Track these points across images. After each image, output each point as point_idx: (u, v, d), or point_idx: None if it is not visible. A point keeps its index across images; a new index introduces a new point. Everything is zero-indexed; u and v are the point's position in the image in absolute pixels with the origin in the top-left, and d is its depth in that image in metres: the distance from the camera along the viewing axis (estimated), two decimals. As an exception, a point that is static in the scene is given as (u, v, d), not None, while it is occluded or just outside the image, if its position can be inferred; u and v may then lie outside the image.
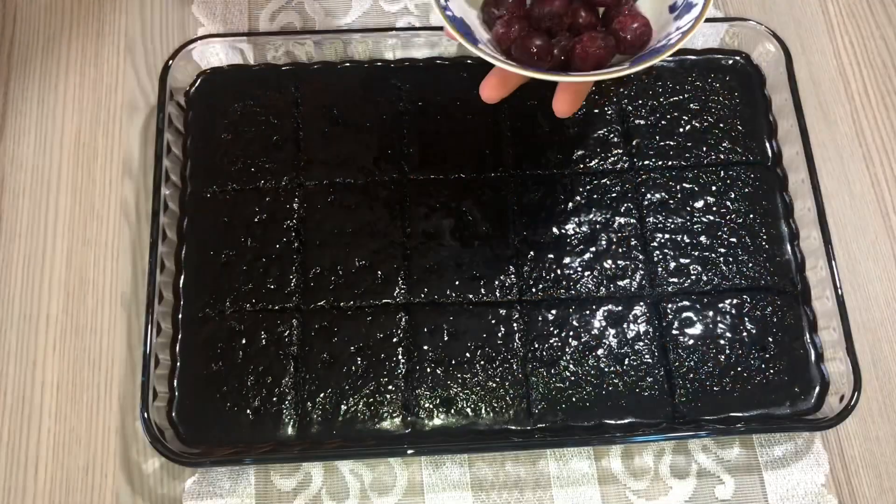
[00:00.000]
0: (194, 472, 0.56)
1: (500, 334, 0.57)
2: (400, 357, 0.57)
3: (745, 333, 0.58)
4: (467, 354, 0.57)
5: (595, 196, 0.61)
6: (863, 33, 0.70)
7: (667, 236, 0.60)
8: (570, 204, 0.61)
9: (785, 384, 0.56)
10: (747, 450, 0.57)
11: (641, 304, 0.58)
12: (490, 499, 0.56)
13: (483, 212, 0.61)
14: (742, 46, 0.66)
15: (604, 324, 0.58)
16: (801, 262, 0.60)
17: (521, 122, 0.63)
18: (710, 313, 0.58)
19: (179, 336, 0.57)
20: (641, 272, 0.59)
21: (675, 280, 0.59)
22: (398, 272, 0.59)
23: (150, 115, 0.65)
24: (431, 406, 0.56)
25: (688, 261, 0.60)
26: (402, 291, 0.58)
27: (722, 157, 0.63)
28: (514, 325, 0.58)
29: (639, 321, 0.58)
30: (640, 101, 0.64)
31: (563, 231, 0.60)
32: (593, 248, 0.60)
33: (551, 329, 0.58)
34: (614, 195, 0.62)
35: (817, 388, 0.56)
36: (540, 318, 0.58)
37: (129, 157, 0.64)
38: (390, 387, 0.56)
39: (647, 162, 0.63)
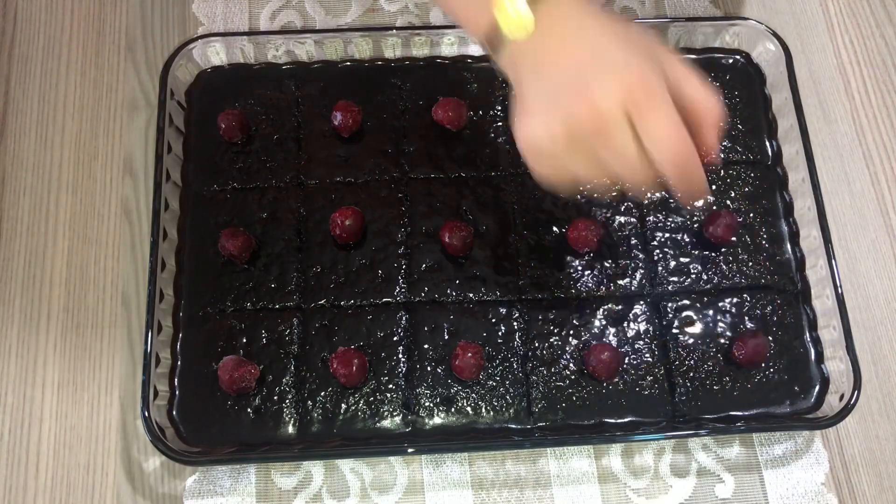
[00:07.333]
0: (195, 470, 0.56)
1: (500, 333, 0.57)
2: (400, 356, 0.57)
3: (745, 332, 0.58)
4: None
5: (595, 195, 0.61)
6: (863, 32, 0.70)
7: (667, 235, 0.60)
8: (570, 203, 0.61)
9: (785, 383, 0.56)
10: (747, 448, 0.57)
11: (641, 303, 0.58)
12: (490, 497, 0.56)
13: (483, 211, 0.61)
14: (742, 45, 0.66)
15: (604, 323, 0.58)
16: (800, 260, 0.60)
17: (521, 121, 0.63)
18: (710, 312, 0.58)
19: (180, 334, 0.57)
20: (641, 271, 0.59)
21: (676, 279, 0.59)
22: (398, 271, 0.59)
23: (151, 113, 0.65)
24: (432, 405, 0.56)
25: (688, 260, 0.60)
26: (403, 290, 0.58)
27: (722, 156, 0.63)
28: (515, 324, 0.58)
29: (639, 320, 0.58)
30: (641, 100, 0.64)
31: (563, 230, 0.60)
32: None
33: (551, 328, 0.58)
34: (614, 194, 0.61)
35: (817, 387, 0.57)
36: (540, 318, 0.58)
37: (129, 156, 0.64)
38: (391, 385, 0.56)
39: (647, 161, 0.62)
